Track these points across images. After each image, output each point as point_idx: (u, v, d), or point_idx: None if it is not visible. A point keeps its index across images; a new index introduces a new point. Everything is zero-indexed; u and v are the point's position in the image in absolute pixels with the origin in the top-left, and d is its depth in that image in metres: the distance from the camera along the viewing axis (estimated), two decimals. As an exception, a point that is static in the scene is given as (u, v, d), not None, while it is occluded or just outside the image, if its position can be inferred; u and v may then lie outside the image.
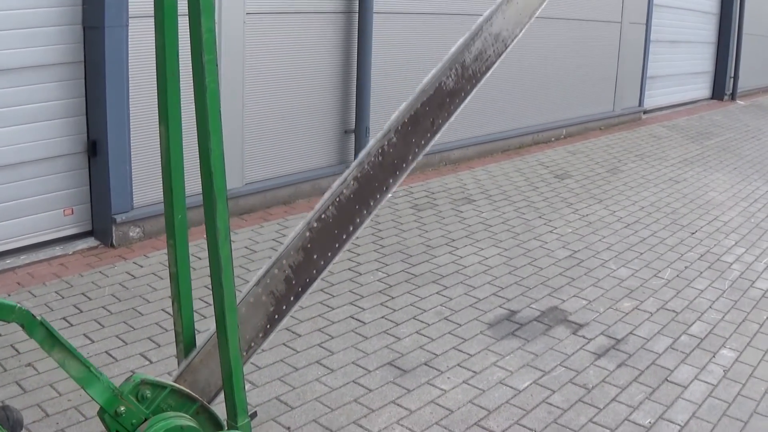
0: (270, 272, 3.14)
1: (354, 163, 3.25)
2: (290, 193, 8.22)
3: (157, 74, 2.78)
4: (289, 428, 4.14)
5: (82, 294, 5.67)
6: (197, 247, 6.73)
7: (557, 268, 6.77)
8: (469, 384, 4.72)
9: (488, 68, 3.41)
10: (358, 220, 3.26)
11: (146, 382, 2.73)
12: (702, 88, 17.98)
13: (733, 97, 18.53)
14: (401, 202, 8.40)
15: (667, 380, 4.90)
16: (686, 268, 6.94)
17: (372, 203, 3.26)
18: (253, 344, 3.12)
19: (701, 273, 6.83)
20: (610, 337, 5.49)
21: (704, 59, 17.78)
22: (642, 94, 14.68)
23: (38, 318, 2.49)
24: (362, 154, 3.20)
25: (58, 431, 4.05)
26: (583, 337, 5.46)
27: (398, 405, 4.45)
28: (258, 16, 7.65)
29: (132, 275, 6.10)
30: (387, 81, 9.05)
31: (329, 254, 3.23)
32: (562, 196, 9.09)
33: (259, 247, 6.82)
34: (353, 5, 8.57)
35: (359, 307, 5.71)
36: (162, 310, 5.51)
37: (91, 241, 6.76)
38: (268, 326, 3.17)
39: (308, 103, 8.32)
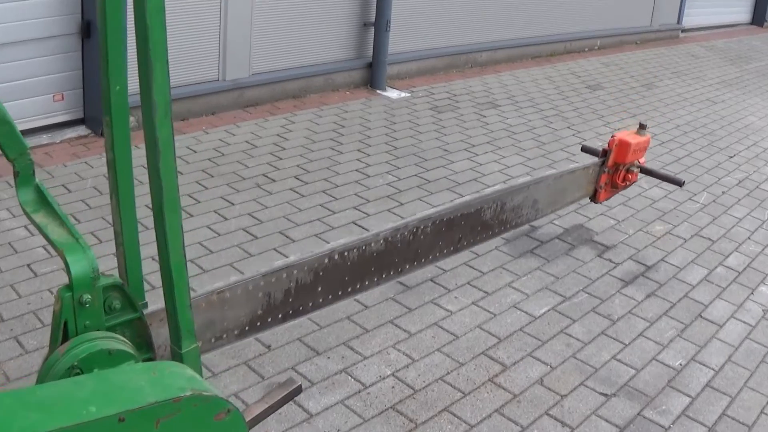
0: (280, 273, 2.88)
1: (391, 226, 3.36)
2: (300, 87, 7.61)
3: None
4: (269, 346, 3.64)
5: (63, 186, 5.14)
6: (194, 139, 6.19)
7: (584, 184, 6.19)
8: (478, 306, 4.21)
9: (516, 225, 4.05)
10: (366, 283, 3.26)
11: (124, 294, 2.24)
12: (742, 12, 17.16)
13: (773, 23, 17.67)
14: (420, 102, 7.79)
15: (701, 316, 4.37)
16: (723, 193, 6.36)
17: (383, 276, 3.34)
18: (225, 336, 2.72)
19: (739, 200, 6.25)
20: (639, 262, 4.95)
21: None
22: (681, 11, 13.88)
23: (36, 180, 2.17)
24: (402, 222, 3.41)
25: (11, 338, 3.59)
26: (610, 260, 4.92)
27: (396, 326, 3.95)
28: None
29: (119, 164, 5.57)
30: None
31: (329, 296, 3.12)
32: (593, 108, 8.46)
33: (260, 142, 6.26)
34: None
35: (363, 213, 5.17)
36: (146, 206, 4.98)
37: (81, 130, 6.21)
38: (247, 328, 2.83)
39: (325, -10, 7.65)
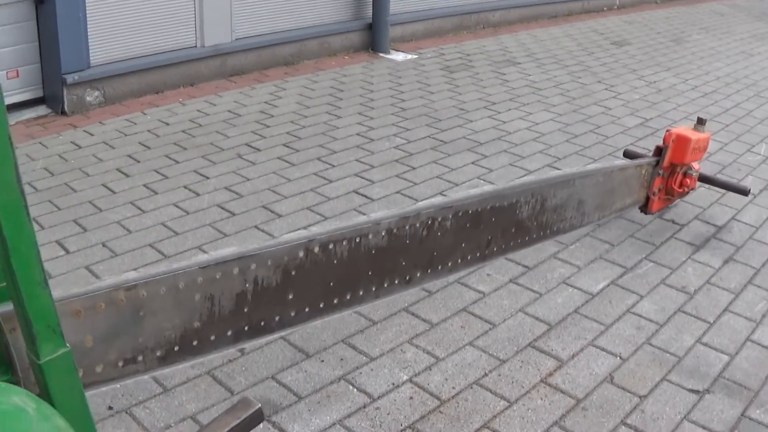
0: (229, 268, 1.90)
1: (395, 212, 2.34)
2: (293, 52, 6.69)
3: None
4: (242, 349, 2.71)
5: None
6: (168, 112, 5.29)
7: (627, 137, 5.28)
8: (518, 284, 3.31)
9: (557, 232, 3.07)
10: (360, 293, 2.25)
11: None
12: None
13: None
14: (429, 63, 6.87)
15: (797, 282, 3.45)
16: (785, 142, 5.45)
17: (384, 284, 2.32)
18: (140, 359, 1.77)
19: (805, 148, 5.33)
20: (707, 222, 4.03)
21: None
22: (701, -31, 13.02)
23: None
24: (412, 209, 2.40)
25: None
26: (672, 221, 4.00)
27: (413, 314, 3.05)
28: None
29: (77, 145, 4.70)
30: None
31: (305, 308, 2.11)
32: (623, 62, 7.54)
33: (245, 111, 5.36)
34: None
35: (367, 180, 4.26)
36: (102, 185, 4.11)
37: (41, 110, 5.35)
38: (177, 348, 1.84)
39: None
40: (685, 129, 3.92)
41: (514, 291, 3.25)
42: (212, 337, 1.87)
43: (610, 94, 6.30)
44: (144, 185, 4.11)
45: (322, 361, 2.71)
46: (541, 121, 5.44)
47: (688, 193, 4.01)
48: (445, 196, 3.73)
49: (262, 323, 1.99)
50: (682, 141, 3.80)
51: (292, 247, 2.01)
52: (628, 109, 5.96)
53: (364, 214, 3.87)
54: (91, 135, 4.88)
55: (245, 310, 1.93)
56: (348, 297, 2.19)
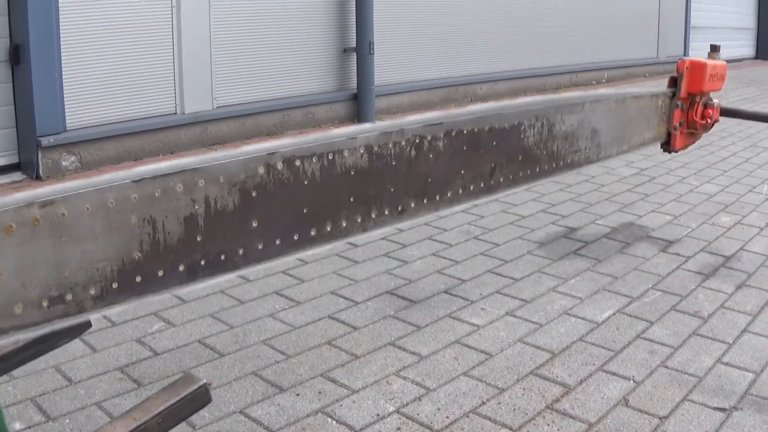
0: (170, 183, 1.53)
1: (373, 126, 1.88)
2: (276, 122, 6.53)
3: None
4: (210, 384, 2.42)
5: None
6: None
7: (623, 185, 5.08)
8: (515, 316, 3.02)
9: (572, 165, 2.69)
10: (342, 223, 1.83)
11: None
12: (746, 46, 16.64)
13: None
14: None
15: (820, 303, 3.18)
16: (787, 185, 5.25)
17: (370, 212, 1.90)
18: (71, 298, 1.39)
19: (807, 190, 5.13)
20: (715, 254, 3.77)
21: (747, 15, 16.34)
22: (686, 43, 13.16)
23: None
24: (395, 123, 1.96)
25: None
26: (678, 254, 3.74)
27: (400, 348, 2.75)
28: None
29: (45, 206, 4.45)
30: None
31: (276, 240, 1.71)
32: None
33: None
34: None
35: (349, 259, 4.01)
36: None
37: (16, 176, 5.14)
38: (113, 285, 1.47)
39: (296, 13, 6.61)
40: (699, 58, 3.64)
41: (511, 323, 2.96)
42: (160, 273, 1.50)
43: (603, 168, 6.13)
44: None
45: (298, 394, 2.40)
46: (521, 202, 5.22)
47: (712, 126, 3.68)
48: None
49: (222, 257, 1.61)
50: (697, 68, 3.50)
51: (247, 161, 1.63)
52: (622, 160, 5.77)
53: (346, 258, 3.62)
54: (64, 202, 4.64)
55: (198, 238, 1.55)
56: (329, 228, 1.80)
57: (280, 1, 6.47)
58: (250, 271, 3.03)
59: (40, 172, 5.06)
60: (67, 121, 5.19)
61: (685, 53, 13.16)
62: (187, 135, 5.85)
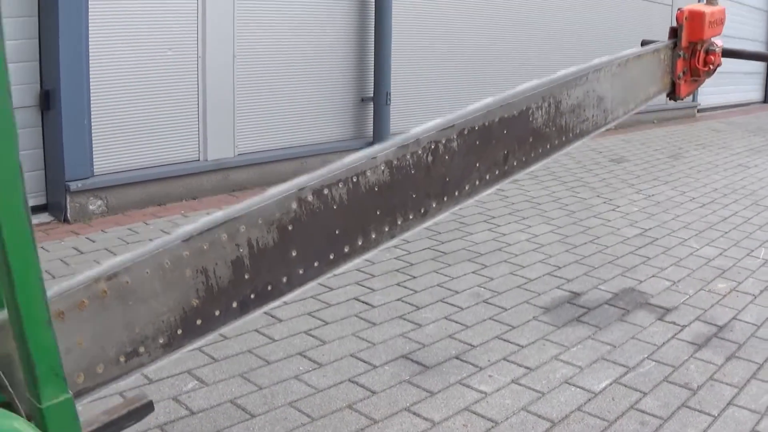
0: (216, 235, 1.72)
1: (391, 143, 1.99)
2: (295, 169, 6.79)
3: None
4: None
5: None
6: (169, 223, 5.36)
7: (627, 247, 5.32)
8: (520, 384, 3.27)
9: (581, 134, 2.67)
10: (372, 236, 1.99)
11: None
12: (755, 91, 16.91)
13: (787, 101, 17.26)
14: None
15: (803, 379, 3.42)
16: (785, 248, 5.48)
17: (397, 221, 2.02)
18: (142, 350, 1.61)
19: (805, 254, 5.36)
20: (708, 323, 4.02)
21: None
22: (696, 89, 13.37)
23: None
24: (410, 135, 2.02)
25: None
26: (674, 323, 3.99)
27: (415, 414, 3.00)
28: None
29: (79, 250, 4.74)
30: (411, 40, 7.66)
31: (314, 263, 1.90)
32: (622, 178, 7.69)
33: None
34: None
35: (367, 288, 4.28)
36: (105, 291, 4.11)
37: (44, 217, 5.41)
38: (180, 332, 1.67)
39: (316, 64, 6.92)
40: (697, 5, 3.76)
41: (516, 391, 3.21)
42: (216, 312, 1.70)
43: (609, 207, 6.39)
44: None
45: (322, 458, 2.67)
46: (541, 233, 5.49)
47: (714, 71, 3.84)
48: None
49: (269, 287, 1.79)
50: (696, 16, 3.61)
51: (281, 201, 1.79)
52: (626, 220, 6.03)
53: (366, 320, 3.88)
54: (93, 242, 4.93)
55: (246, 276, 1.73)
56: (360, 242, 1.95)
57: (301, 53, 6.77)
58: (275, 331, 3.29)
59: (68, 215, 5.34)
60: (94, 166, 5.48)
61: (695, 99, 13.42)
62: (210, 181, 6.14)
